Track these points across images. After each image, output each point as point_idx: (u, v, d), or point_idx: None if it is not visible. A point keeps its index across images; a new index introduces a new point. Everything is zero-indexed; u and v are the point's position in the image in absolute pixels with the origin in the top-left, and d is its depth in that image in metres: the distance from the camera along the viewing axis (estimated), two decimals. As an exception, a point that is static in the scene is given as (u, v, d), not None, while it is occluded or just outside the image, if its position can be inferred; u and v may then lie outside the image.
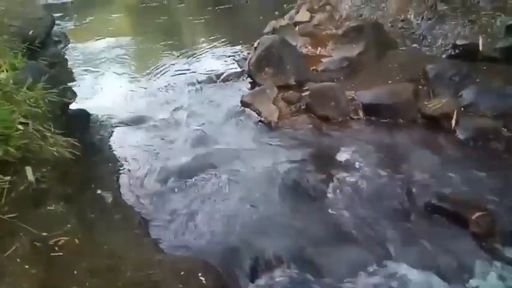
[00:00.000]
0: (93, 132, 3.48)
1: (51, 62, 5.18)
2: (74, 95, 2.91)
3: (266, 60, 4.21)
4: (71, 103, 2.82)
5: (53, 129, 2.19)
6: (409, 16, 5.29)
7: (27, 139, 1.91)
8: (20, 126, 1.96)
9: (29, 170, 1.92)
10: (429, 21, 4.91)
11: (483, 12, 4.46)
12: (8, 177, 1.79)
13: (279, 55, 4.17)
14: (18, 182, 1.83)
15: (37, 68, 2.48)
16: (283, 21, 6.07)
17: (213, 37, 6.74)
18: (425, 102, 3.43)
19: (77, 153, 2.05)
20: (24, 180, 1.86)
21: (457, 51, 4.18)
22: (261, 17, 7.39)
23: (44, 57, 5.21)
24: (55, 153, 2.08)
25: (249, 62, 4.44)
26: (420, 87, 3.67)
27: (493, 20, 4.25)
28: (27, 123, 2.00)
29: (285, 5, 8.09)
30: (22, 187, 1.76)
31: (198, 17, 8.61)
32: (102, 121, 3.84)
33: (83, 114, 3.20)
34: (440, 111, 3.27)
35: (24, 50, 2.94)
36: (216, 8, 9.02)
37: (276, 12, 7.28)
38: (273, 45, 4.20)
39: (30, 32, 4.94)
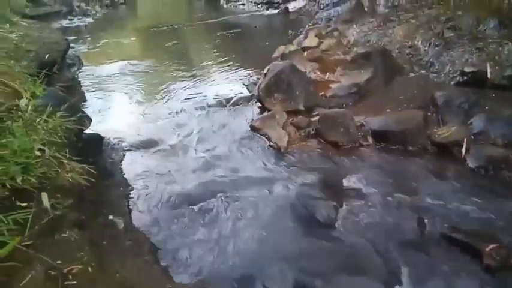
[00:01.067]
0: (105, 156, 3.52)
1: (66, 86, 5.35)
2: (89, 121, 2.97)
3: (276, 86, 4.27)
4: (86, 129, 2.89)
5: (68, 155, 2.24)
6: (416, 42, 5.38)
7: (44, 166, 1.95)
8: (38, 153, 2.01)
9: (44, 197, 1.96)
10: (436, 48, 4.98)
11: (490, 40, 4.53)
12: (25, 204, 1.83)
13: (288, 81, 4.24)
14: (34, 209, 1.86)
15: (56, 96, 2.55)
16: (292, 47, 6.19)
17: (222, 61, 6.89)
18: (435, 130, 3.44)
19: (92, 179, 2.08)
20: (40, 206, 1.89)
21: (465, 78, 4.22)
22: (270, 42, 7.55)
23: (59, 80, 5.38)
24: (70, 180, 2.12)
25: (258, 87, 4.51)
26: (429, 114, 3.69)
27: (500, 48, 4.30)
28: (44, 150, 2.06)
29: (289, 31, 8.28)
30: (38, 214, 1.78)
31: (208, 41, 8.81)
32: (114, 144, 3.89)
33: (96, 139, 3.25)
34: (450, 138, 3.27)
35: (43, 77, 3.01)
36: (226, 32, 9.23)
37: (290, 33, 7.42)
38: (283, 72, 4.27)
39: (46, 56, 5.11)
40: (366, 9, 7.39)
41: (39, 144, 1.95)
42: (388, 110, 3.93)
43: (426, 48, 5.10)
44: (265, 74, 4.50)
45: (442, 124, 3.50)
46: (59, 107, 2.32)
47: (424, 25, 5.66)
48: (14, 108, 2.20)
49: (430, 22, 5.59)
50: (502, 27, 4.63)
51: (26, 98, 2.49)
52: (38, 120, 2.26)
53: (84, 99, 5.44)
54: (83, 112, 2.92)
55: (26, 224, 1.56)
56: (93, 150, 3.02)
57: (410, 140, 3.42)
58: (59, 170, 2.02)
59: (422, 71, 4.87)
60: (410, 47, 5.34)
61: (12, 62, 3.21)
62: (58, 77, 5.66)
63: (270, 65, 4.67)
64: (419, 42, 5.29)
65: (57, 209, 1.99)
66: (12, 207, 1.63)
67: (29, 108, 2.33)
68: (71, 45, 7.32)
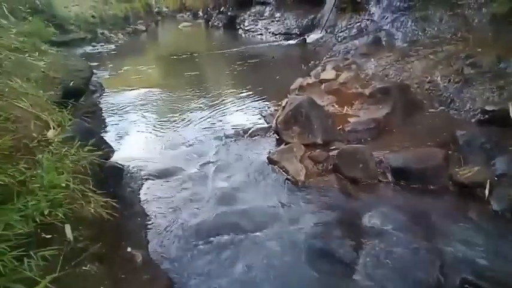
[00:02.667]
0: (125, 185, 3.56)
1: (88, 111, 5.52)
2: (112, 152, 3.03)
3: (294, 119, 4.30)
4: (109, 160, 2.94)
5: (92, 187, 2.27)
6: (435, 78, 5.39)
7: (70, 198, 1.99)
8: (63, 184, 2.05)
9: (68, 228, 1.98)
10: (456, 85, 4.98)
11: (511, 79, 4.51)
12: (49, 236, 1.85)
13: (306, 115, 4.26)
14: (57, 242, 1.88)
15: (82, 128, 2.62)
16: (310, 79, 6.26)
17: (240, 91, 7.00)
18: (456, 169, 3.38)
19: (114, 214, 2.10)
20: (64, 239, 1.91)
21: (486, 116, 4.18)
22: (288, 73, 7.66)
23: (82, 106, 5.56)
24: (92, 211, 2.14)
25: (276, 120, 4.54)
26: (450, 152, 3.64)
27: (522, 88, 4.27)
28: (69, 183, 2.09)
29: (307, 63, 8.40)
30: (61, 247, 1.80)
31: (226, 70, 9.01)
32: (133, 173, 3.93)
33: (117, 169, 3.29)
34: (472, 179, 3.21)
35: (69, 106, 3.11)
36: (244, 62, 9.43)
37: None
38: (301, 105, 4.31)
39: (71, 83, 5.30)
40: (383, 43, 7.48)
41: (67, 176, 1.99)
42: (407, 147, 3.90)
43: (446, 85, 5.10)
44: (284, 106, 4.55)
45: (463, 163, 3.44)
46: (85, 139, 2.37)
47: (443, 61, 5.69)
48: (43, 139, 2.26)
49: (449, 58, 5.62)
50: (523, 66, 4.62)
51: (54, 129, 2.57)
52: (64, 150, 2.32)
53: (105, 126, 5.57)
54: (107, 143, 2.98)
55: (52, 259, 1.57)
56: (114, 180, 3.05)
57: (431, 179, 3.36)
58: (83, 202, 2.04)
59: (442, 107, 4.85)
60: (429, 82, 5.36)
61: (41, 91, 3.32)
62: (82, 101, 5.86)
63: (289, 98, 4.73)
64: (439, 78, 5.30)
65: (79, 241, 2.01)
66: (39, 241, 1.65)
67: (56, 139, 2.39)
68: (94, 71, 7.57)
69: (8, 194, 1.58)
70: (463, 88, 4.82)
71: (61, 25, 12.09)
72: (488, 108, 4.16)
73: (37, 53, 5.47)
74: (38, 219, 1.59)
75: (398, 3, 8.16)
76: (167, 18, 25.48)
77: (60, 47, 8.02)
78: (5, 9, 8.62)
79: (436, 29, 6.79)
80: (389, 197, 3.34)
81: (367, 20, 9.13)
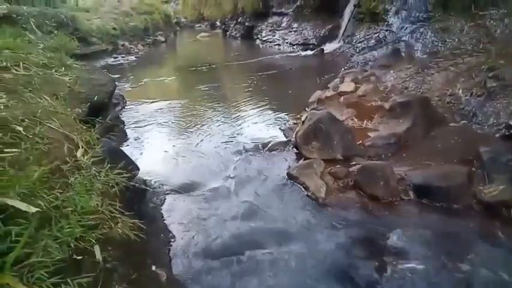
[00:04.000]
0: (148, 201, 3.63)
1: (111, 125, 5.65)
2: (138, 170, 3.11)
3: (313, 134, 4.32)
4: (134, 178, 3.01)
5: (119, 208, 2.33)
6: (457, 91, 5.32)
7: (99, 220, 2.05)
8: (93, 206, 2.11)
9: (97, 249, 2.03)
10: (479, 98, 4.91)
11: (537, 93, 4.42)
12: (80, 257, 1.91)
13: (326, 130, 4.27)
14: (88, 263, 1.94)
15: (111, 149, 2.70)
16: (328, 92, 6.27)
17: (258, 103, 7.05)
18: (481, 187, 3.33)
19: (142, 235, 2.15)
20: (93, 260, 1.97)
21: (511, 131, 4.10)
22: (305, 84, 7.68)
23: (106, 120, 5.69)
24: (120, 232, 2.20)
25: (296, 134, 4.57)
26: (473, 169, 3.59)
27: (548, 102, 4.18)
28: (99, 206, 2.16)
29: (325, 74, 8.40)
30: (95, 273, 1.85)
31: (244, 82, 9.08)
32: (154, 188, 4.01)
33: (142, 187, 3.37)
34: (497, 198, 3.15)
35: (96, 124, 3.21)
36: (261, 73, 9.51)
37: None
38: (321, 120, 4.32)
39: (95, 98, 5.45)
40: (403, 54, 7.43)
41: (97, 199, 2.06)
42: (429, 163, 3.86)
43: (467, 98, 5.03)
44: (303, 121, 4.57)
45: (488, 182, 3.38)
46: (112, 160, 2.45)
47: (464, 73, 5.61)
48: (73, 160, 2.35)
49: (471, 70, 5.54)
50: (548, 79, 4.52)
51: (82, 148, 2.65)
52: (93, 169, 2.40)
53: (127, 139, 5.69)
54: (134, 163, 3.06)
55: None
56: (139, 198, 3.12)
57: (454, 198, 3.31)
58: (112, 224, 2.10)
59: (464, 121, 4.78)
60: (450, 95, 5.30)
61: (69, 109, 3.44)
62: (105, 115, 6.01)
63: (308, 112, 4.75)
64: (460, 91, 5.24)
65: (107, 261, 2.07)
66: (71, 264, 1.71)
67: (85, 159, 2.47)
68: (116, 83, 7.74)
69: (44, 218, 1.66)
70: (486, 101, 4.74)
71: (84, 38, 12.43)
72: (512, 123, 4.08)
73: (63, 68, 5.65)
74: (72, 245, 1.65)
75: (417, 14, 8.11)
76: (185, 29, 25.93)
77: (82, 59, 8.25)
78: (32, 24, 8.96)
79: (456, 40, 6.71)
80: (411, 216, 3.31)
81: (386, 30, 9.09)
